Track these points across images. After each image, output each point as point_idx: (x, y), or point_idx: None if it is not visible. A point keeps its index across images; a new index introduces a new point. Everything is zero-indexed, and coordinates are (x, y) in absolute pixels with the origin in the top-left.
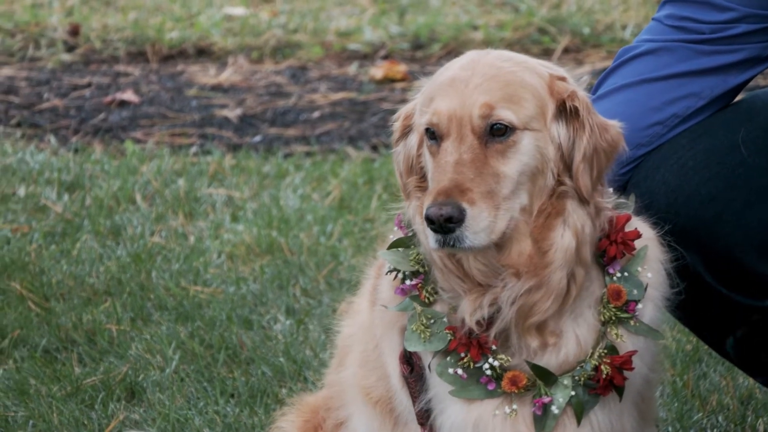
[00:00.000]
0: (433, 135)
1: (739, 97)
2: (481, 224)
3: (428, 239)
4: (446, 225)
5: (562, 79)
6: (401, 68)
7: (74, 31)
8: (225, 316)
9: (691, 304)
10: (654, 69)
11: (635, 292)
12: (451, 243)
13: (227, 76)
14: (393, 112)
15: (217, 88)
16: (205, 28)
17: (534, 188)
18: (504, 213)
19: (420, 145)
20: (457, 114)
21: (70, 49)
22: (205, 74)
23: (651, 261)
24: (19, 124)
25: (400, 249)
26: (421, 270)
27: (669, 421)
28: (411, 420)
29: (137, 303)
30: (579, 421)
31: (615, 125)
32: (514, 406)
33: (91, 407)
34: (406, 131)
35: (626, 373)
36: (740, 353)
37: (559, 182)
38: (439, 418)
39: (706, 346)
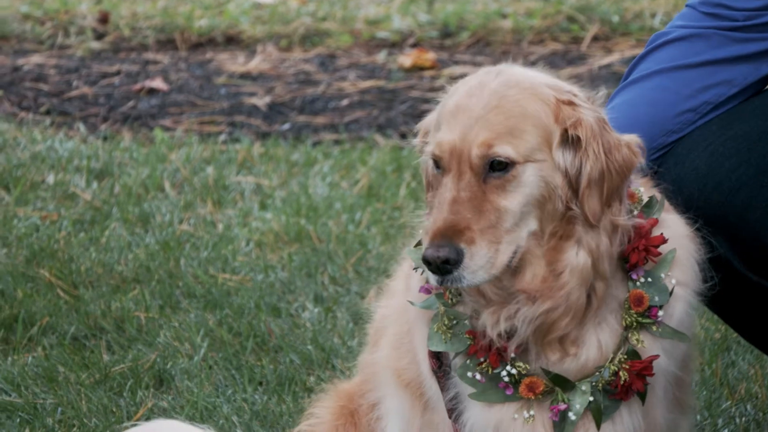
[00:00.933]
0: (438, 165)
1: None
2: (479, 262)
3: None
4: (443, 267)
5: (570, 103)
6: (430, 56)
7: (103, 19)
8: (253, 303)
9: (724, 296)
10: (687, 55)
11: (657, 298)
12: (450, 282)
13: (256, 64)
14: (422, 100)
15: (245, 76)
16: (234, 15)
17: (543, 214)
18: (506, 246)
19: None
20: (457, 148)
21: (99, 36)
22: (234, 62)
23: (681, 260)
24: (48, 112)
25: None
26: None
27: (698, 409)
28: (440, 407)
29: (166, 291)
30: (598, 426)
31: (629, 142)
32: (532, 412)
33: (119, 395)
34: (424, 146)
35: (652, 374)
36: None
37: (568, 207)
38: (463, 416)
39: (734, 334)
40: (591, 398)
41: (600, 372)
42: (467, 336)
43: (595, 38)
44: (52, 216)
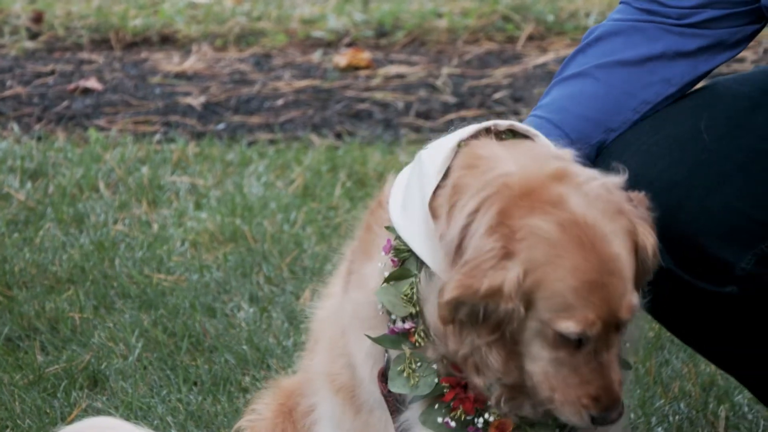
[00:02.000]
0: (571, 338)
1: (699, 85)
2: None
3: (581, 419)
4: None
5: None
6: (365, 56)
7: (37, 18)
8: (188, 303)
9: (659, 297)
10: (625, 48)
11: None
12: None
13: (191, 63)
14: (357, 99)
15: (180, 75)
16: (169, 15)
17: None
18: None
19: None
20: (606, 322)
21: (33, 36)
22: (169, 62)
23: None
24: None
25: (393, 286)
26: (413, 311)
27: (631, 407)
28: (377, 407)
29: (100, 291)
30: None
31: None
32: None
33: (53, 395)
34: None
35: None
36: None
37: None
38: None
39: (668, 333)
40: (557, 429)
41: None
42: (444, 384)
43: (530, 38)
44: None
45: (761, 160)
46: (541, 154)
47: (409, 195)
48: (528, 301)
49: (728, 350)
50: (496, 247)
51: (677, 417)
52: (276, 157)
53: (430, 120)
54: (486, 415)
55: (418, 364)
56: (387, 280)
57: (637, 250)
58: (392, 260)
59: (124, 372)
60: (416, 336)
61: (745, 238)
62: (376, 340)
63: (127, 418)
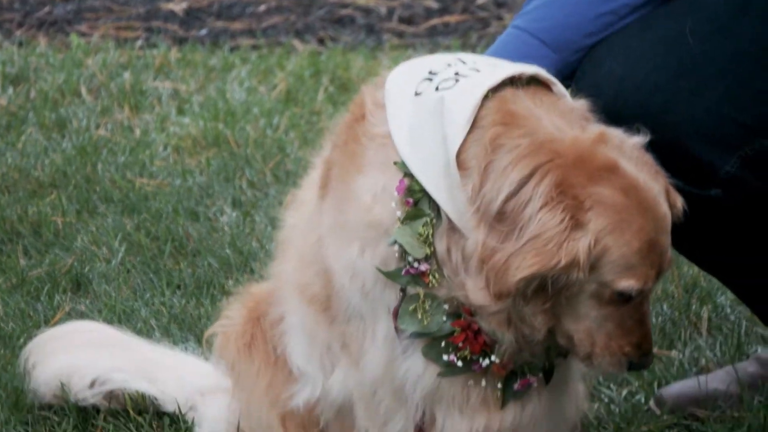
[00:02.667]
0: (623, 294)
1: None
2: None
3: (620, 367)
4: None
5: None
6: None
7: None
8: (171, 208)
9: None
10: None
11: None
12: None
13: None
14: (340, 5)
15: None
16: None
17: None
18: None
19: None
20: (657, 276)
21: None
22: None
23: None
24: None
25: (409, 226)
26: (428, 252)
27: None
28: (354, 317)
29: (83, 195)
30: (547, 382)
31: None
32: (484, 383)
33: (36, 299)
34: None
35: None
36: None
37: None
38: (405, 363)
39: None
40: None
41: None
42: (455, 327)
43: None
44: None
45: (746, 63)
46: (569, 112)
47: (421, 133)
48: (593, 266)
49: (713, 256)
50: (565, 219)
51: (660, 318)
52: (258, 62)
53: (413, 25)
54: (492, 357)
55: (430, 303)
56: (403, 221)
57: (671, 207)
58: (407, 201)
59: (107, 275)
60: (431, 277)
61: (730, 141)
62: (389, 275)
63: (111, 322)
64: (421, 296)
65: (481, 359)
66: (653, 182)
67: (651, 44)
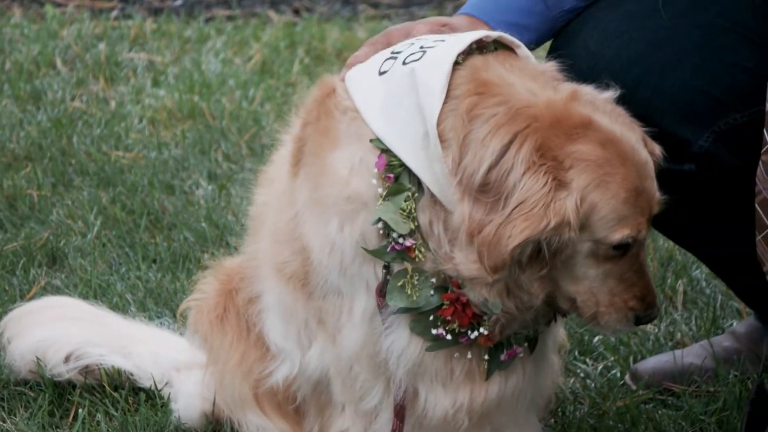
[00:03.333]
0: (620, 246)
1: None
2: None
3: (628, 323)
4: None
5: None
6: None
7: None
8: (147, 181)
9: None
10: None
11: None
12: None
13: None
14: None
15: None
16: None
17: None
18: None
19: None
20: (648, 220)
21: None
22: None
23: None
24: None
25: (391, 202)
26: (412, 227)
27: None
28: (331, 292)
29: (58, 168)
30: (532, 351)
31: None
32: (470, 356)
33: (12, 273)
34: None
35: None
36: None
37: None
38: (388, 337)
39: None
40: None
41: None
42: (444, 300)
43: None
44: None
45: (719, 36)
46: (539, 74)
47: (395, 105)
48: (584, 225)
49: (688, 229)
50: (548, 181)
51: None
52: (234, 33)
53: None
54: (481, 329)
55: (417, 277)
56: (385, 197)
57: (650, 154)
58: (387, 177)
59: (83, 249)
60: (416, 251)
61: (703, 116)
62: (374, 253)
63: (86, 296)
64: (409, 271)
65: (469, 332)
66: (630, 132)
67: (623, 19)
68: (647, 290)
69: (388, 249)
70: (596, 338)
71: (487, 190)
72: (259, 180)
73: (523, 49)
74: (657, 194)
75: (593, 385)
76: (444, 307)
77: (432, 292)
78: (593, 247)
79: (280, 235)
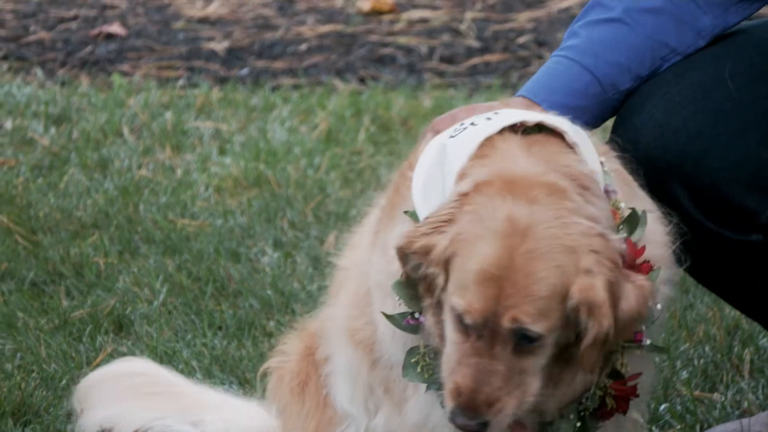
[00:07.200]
0: (461, 319)
1: None
2: (506, 422)
3: (445, 407)
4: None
5: (595, 252)
6: (388, 0)
7: None
8: (212, 248)
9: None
10: None
11: (643, 326)
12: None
13: (214, 8)
14: (381, 44)
15: (204, 20)
16: None
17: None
18: (530, 398)
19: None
20: (489, 321)
21: None
22: (192, 6)
23: (659, 261)
24: (5, 57)
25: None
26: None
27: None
28: (397, 364)
29: (125, 236)
30: None
31: (639, 293)
32: None
33: (78, 340)
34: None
35: (637, 395)
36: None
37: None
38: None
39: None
40: (578, 423)
41: (586, 399)
42: None
43: None
44: (9, 162)
45: None
46: (558, 163)
47: (430, 183)
48: (447, 271)
49: (753, 299)
50: (448, 212)
51: (702, 360)
52: (300, 101)
53: (453, 64)
54: None
55: (432, 356)
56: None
57: (566, 295)
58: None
59: (149, 316)
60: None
61: None
62: (391, 320)
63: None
64: (422, 348)
65: None
66: (549, 245)
67: (689, 90)
68: (465, 390)
69: (404, 321)
70: (662, 406)
71: None
72: (332, 244)
73: (570, 136)
74: (516, 312)
75: None
76: None
77: None
78: (451, 303)
79: (358, 303)
